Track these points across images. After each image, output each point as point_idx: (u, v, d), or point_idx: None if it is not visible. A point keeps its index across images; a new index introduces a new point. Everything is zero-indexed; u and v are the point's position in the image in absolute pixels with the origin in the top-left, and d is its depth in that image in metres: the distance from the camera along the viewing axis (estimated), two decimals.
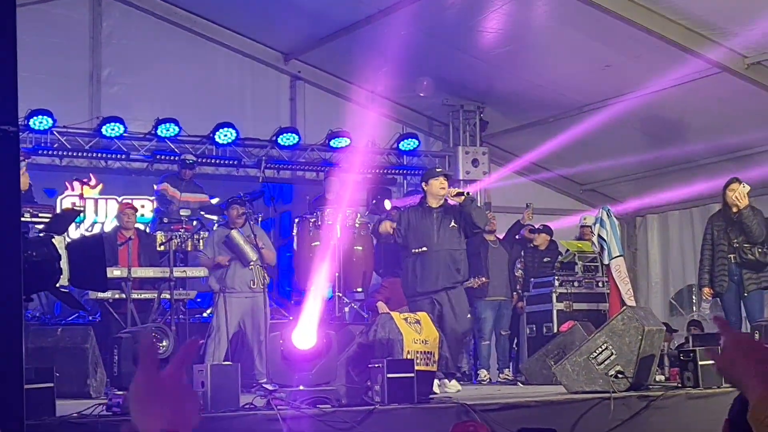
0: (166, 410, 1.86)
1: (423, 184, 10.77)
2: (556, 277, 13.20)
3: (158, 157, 14.48)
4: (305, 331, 8.44)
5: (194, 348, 2.06)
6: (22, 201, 9.75)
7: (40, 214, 10.68)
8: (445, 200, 10.58)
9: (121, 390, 7.36)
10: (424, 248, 10.32)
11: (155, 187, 13.70)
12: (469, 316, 10.73)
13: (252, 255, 11.42)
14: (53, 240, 6.33)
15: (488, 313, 13.38)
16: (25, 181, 9.96)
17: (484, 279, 12.80)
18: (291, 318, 12.74)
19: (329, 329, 9.25)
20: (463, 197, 10.40)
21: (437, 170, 10.91)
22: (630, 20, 12.03)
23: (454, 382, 10.04)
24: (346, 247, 13.32)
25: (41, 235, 8.14)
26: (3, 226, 4.40)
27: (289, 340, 8.36)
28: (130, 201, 13.43)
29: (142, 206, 14.00)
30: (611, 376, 9.10)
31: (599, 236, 12.56)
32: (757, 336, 10.76)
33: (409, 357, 8.60)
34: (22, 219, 7.00)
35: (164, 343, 9.98)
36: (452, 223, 10.39)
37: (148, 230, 13.24)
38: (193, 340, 2.13)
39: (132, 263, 11.38)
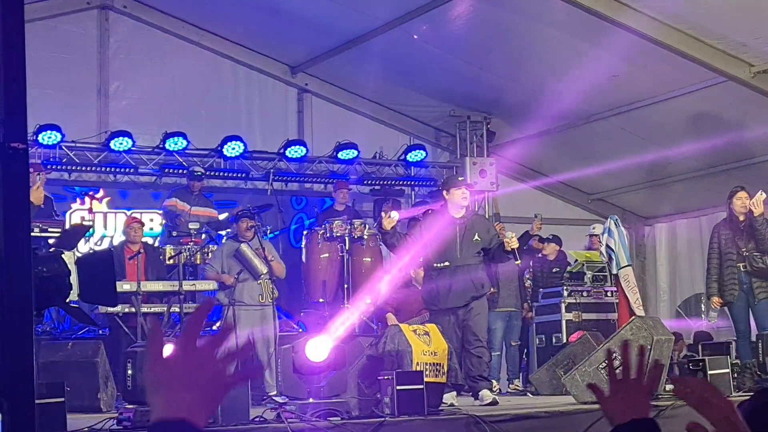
0: (185, 393, 1.81)
1: (444, 192, 10.50)
2: (565, 287, 13.20)
3: (166, 170, 14.51)
4: (319, 344, 8.48)
5: (204, 312, 1.95)
6: (39, 216, 9.81)
7: (49, 229, 10.71)
8: (466, 209, 10.34)
9: (136, 404, 7.38)
10: (447, 263, 10.02)
11: (165, 202, 13.71)
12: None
13: (262, 269, 11.42)
14: (63, 255, 6.35)
15: (498, 324, 13.37)
16: (38, 196, 9.97)
17: (492, 289, 12.80)
18: (300, 330, 12.75)
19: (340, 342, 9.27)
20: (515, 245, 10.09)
21: (459, 179, 10.53)
22: (636, 30, 12.04)
23: (453, 393, 9.90)
24: (354, 259, 13.34)
25: (51, 250, 8.16)
26: (13, 242, 4.42)
27: (302, 352, 8.38)
28: (138, 215, 13.46)
29: (151, 220, 14.03)
30: None
31: (607, 246, 12.57)
32: (761, 345, 10.76)
33: (418, 369, 8.61)
34: (32, 234, 7.03)
35: None
36: (475, 237, 10.09)
37: (157, 244, 13.26)
38: (203, 304, 2.02)
39: (140, 277, 11.39)
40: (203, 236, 12.76)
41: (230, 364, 1.87)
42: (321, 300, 13.40)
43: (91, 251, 12.50)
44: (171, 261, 12.15)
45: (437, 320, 9.89)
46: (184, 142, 14.29)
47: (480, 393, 9.78)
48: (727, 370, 9.56)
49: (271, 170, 15.05)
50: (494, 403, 9.55)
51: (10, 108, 4.49)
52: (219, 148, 14.63)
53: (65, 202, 13.84)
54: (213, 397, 1.85)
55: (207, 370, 1.84)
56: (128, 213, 13.95)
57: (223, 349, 1.88)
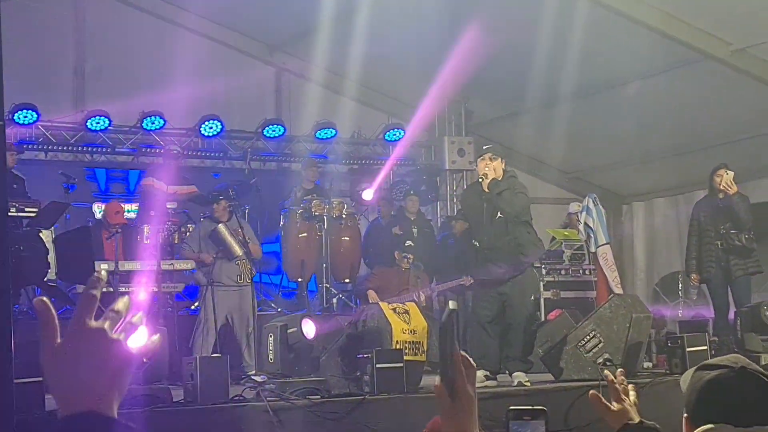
0: (87, 381, 1.63)
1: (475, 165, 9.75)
2: (543, 266, 13.21)
3: (143, 150, 14.44)
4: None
5: (94, 288, 1.68)
6: (13, 196, 9.72)
7: (26, 209, 10.65)
8: (495, 181, 9.43)
9: None
10: (476, 243, 9.50)
11: (142, 182, 13.63)
12: (533, 298, 9.85)
13: (238, 250, 11.35)
14: (41, 234, 6.31)
15: None
16: None
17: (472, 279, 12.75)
18: (279, 309, 12.74)
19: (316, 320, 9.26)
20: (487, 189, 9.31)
21: (483, 147, 9.62)
22: (614, 8, 12.04)
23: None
24: (333, 238, 13.32)
25: (28, 229, 8.11)
26: None
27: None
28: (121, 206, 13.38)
29: (128, 211, 13.92)
30: (599, 363, 9.13)
31: (586, 224, 12.60)
32: (739, 321, 10.80)
33: (397, 347, 8.61)
34: (8, 214, 6.98)
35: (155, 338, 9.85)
36: (498, 214, 9.36)
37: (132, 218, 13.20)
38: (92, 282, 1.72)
39: (118, 257, 11.32)
40: (181, 215, 12.70)
41: (125, 330, 1.67)
42: (299, 279, 13.39)
43: (68, 230, 12.42)
44: (148, 241, 12.08)
45: (479, 291, 9.53)
46: (162, 122, 14.22)
47: (513, 374, 9.32)
48: (706, 347, 9.61)
49: (249, 150, 14.98)
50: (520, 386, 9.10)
51: None
52: (197, 127, 14.57)
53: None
54: (118, 378, 1.66)
55: (104, 350, 1.65)
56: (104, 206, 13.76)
57: (107, 314, 1.68)
